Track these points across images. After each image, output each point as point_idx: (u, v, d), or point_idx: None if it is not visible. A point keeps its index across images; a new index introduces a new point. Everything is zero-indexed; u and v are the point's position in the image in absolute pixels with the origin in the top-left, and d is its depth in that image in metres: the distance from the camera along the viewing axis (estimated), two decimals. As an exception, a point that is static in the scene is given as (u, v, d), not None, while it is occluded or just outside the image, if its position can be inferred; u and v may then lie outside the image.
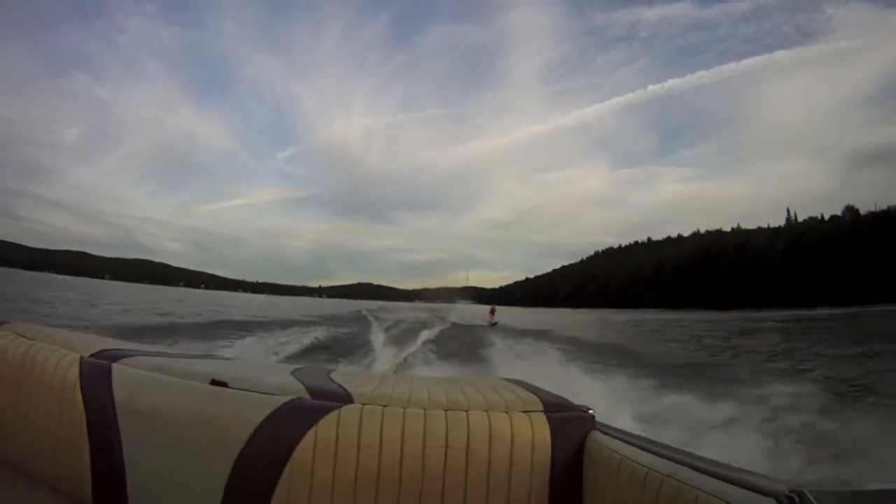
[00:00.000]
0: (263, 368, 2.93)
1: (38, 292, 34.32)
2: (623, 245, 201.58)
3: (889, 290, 79.26)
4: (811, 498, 1.15)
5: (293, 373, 2.20)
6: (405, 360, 13.79)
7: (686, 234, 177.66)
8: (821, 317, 45.55)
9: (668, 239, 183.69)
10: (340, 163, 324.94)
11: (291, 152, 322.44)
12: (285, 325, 22.02)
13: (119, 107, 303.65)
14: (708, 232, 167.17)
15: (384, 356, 14.47)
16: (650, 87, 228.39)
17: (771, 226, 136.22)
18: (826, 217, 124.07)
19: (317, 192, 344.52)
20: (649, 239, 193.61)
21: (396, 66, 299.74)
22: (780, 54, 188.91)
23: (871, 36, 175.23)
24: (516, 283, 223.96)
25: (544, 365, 13.64)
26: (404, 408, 1.91)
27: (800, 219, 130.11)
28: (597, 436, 1.90)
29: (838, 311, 58.32)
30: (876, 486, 0.82)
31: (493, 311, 43.10)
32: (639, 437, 1.87)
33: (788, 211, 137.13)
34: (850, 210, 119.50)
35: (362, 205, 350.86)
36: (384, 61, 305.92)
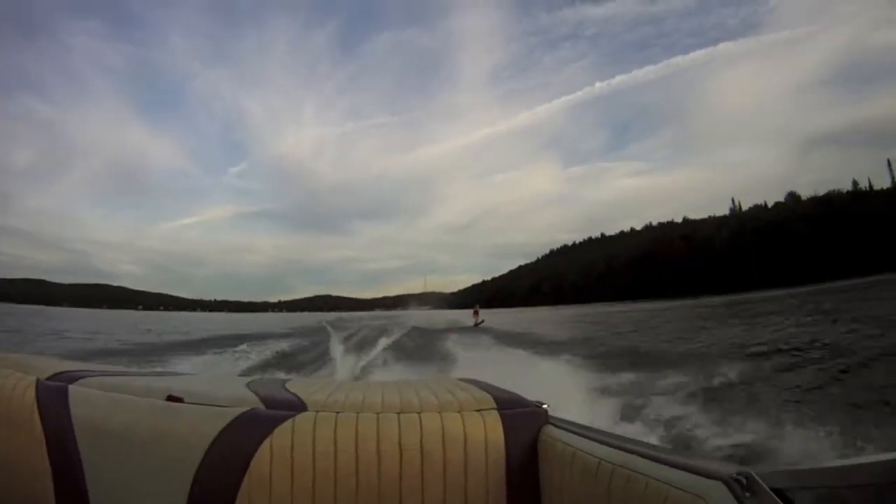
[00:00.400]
0: (218, 382, 2.96)
1: (48, 324, 34.37)
2: (577, 242, 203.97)
3: (829, 269, 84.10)
4: (758, 479, 1.17)
5: (248, 385, 2.29)
6: (364, 367, 14.18)
7: (639, 227, 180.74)
8: (745, 300, 47.11)
9: (622, 233, 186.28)
10: (293, 175, 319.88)
11: (243, 167, 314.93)
12: (264, 336, 23.53)
13: (69, 128, 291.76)
14: (660, 224, 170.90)
15: (344, 365, 14.85)
16: (597, 85, 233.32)
17: (721, 214, 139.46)
18: (771, 204, 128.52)
19: (271, 207, 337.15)
20: (603, 234, 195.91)
21: (345, 75, 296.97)
22: (724, 46, 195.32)
23: (814, 24, 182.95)
24: (474, 286, 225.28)
25: (474, 350, 17.80)
26: (357, 413, 1.95)
27: (749, 206, 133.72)
28: (550, 430, 1.96)
29: (775, 292, 61.97)
30: (822, 464, 1.35)
31: (476, 312, 43.07)
32: (591, 429, 1.94)
33: (733, 200, 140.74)
34: (792, 196, 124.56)
35: (317, 217, 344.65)
36: (333, 71, 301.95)
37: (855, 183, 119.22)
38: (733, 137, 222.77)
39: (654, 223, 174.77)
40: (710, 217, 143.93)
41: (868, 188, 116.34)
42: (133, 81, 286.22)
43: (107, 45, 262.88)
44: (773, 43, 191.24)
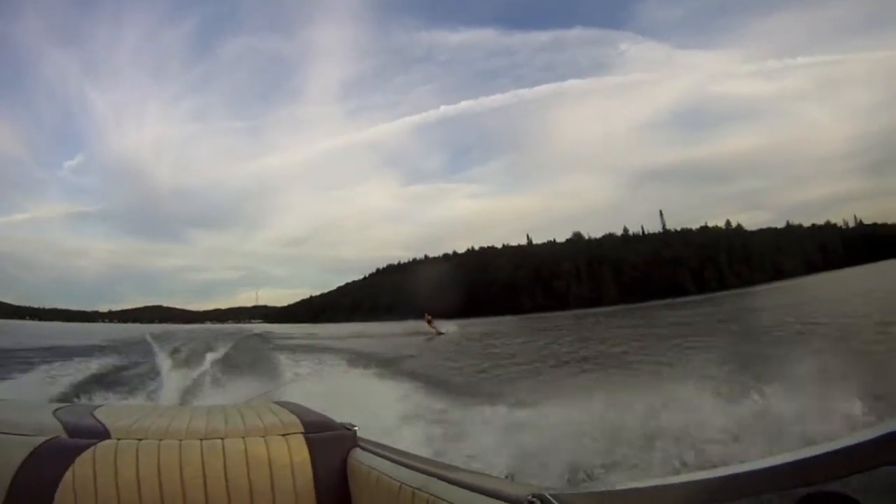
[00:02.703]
0: (24, 409, 2.87)
1: None
2: (402, 262, 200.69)
3: (588, 301, 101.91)
4: (552, 500, 1.18)
5: (55, 412, 2.18)
6: (192, 384, 13.80)
7: (464, 250, 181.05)
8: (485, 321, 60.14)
9: (445, 255, 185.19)
10: (131, 175, 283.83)
11: (80, 161, 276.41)
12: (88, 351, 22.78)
13: None
14: (482, 248, 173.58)
15: (170, 383, 14.28)
16: (443, 108, 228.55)
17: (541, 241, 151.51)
18: (562, 240, 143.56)
19: (106, 208, 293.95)
20: (426, 256, 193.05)
21: (195, 75, 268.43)
22: (572, 83, 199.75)
23: (659, 71, 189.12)
24: (303, 301, 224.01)
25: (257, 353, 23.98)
26: (160, 440, 1.90)
27: (549, 240, 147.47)
28: (358, 453, 2.02)
29: (543, 314, 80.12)
30: (618, 486, 1.20)
31: (430, 321, 42.02)
32: (397, 451, 2.02)
33: (528, 236, 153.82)
34: (577, 235, 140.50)
35: (154, 221, 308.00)
36: (183, 70, 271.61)
37: (625, 229, 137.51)
38: (571, 168, 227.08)
39: (477, 248, 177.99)
40: (528, 243, 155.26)
41: (641, 233, 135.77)
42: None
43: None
44: (618, 84, 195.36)
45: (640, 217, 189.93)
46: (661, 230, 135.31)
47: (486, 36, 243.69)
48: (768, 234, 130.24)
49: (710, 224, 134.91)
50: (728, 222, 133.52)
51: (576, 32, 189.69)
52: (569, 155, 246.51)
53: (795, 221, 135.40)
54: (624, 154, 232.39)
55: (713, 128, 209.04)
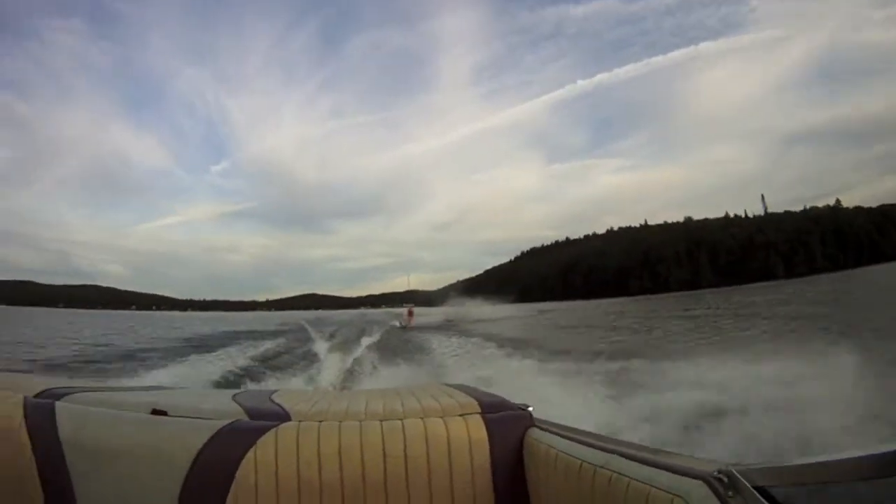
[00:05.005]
0: (204, 395, 3.11)
1: (88, 331, 32.57)
2: (545, 244, 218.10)
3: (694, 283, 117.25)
4: (739, 476, 1.15)
5: (234, 397, 2.32)
6: (350, 366, 14.04)
7: (612, 228, 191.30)
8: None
9: (586, 237, 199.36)
10: (275, 174, 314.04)
11: (225, 166, 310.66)
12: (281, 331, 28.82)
13: (48, 126, 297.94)
14: (621, 229, 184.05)
15: (329, 364, 14.68)
16: (579, 83, 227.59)
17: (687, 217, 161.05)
18: (681, 220, 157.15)
19: (253, 206, 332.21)
20: (567, 238, 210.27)
21: (325, 74, 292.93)
22: (705, 45, 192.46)
23: (794, 25, 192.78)
24: (450, 285, 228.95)
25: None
26: (340, 421, 1.96)
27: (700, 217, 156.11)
28: (535, 433, 1.97)
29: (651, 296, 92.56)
30: (805, 460, 1.05)
31: (410, 313, 44.77)
32: (575, 430, 1.98)
33: (645, 221, 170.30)
34: (687, 219, 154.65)
35: (300, 215, 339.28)
36: (313, 71, 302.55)
37: (726, 213, 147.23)
38: (713, 136, 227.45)
39: (616, 228, 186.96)
40: (665, 223, 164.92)
41: (744, 215, 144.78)
42: (114, 80, 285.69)
43: (88, 43, 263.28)
44: (752, 43, 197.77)
45: (781, 186, 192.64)
46: (762, 213, 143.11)
47: (609, 4, 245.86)
48: (876, 213, 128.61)
49: (820, 204, 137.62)
50: (837, 200, 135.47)
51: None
52: (709, 122, 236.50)
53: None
54: (766, 117, 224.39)
55: (858, 80, 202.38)
